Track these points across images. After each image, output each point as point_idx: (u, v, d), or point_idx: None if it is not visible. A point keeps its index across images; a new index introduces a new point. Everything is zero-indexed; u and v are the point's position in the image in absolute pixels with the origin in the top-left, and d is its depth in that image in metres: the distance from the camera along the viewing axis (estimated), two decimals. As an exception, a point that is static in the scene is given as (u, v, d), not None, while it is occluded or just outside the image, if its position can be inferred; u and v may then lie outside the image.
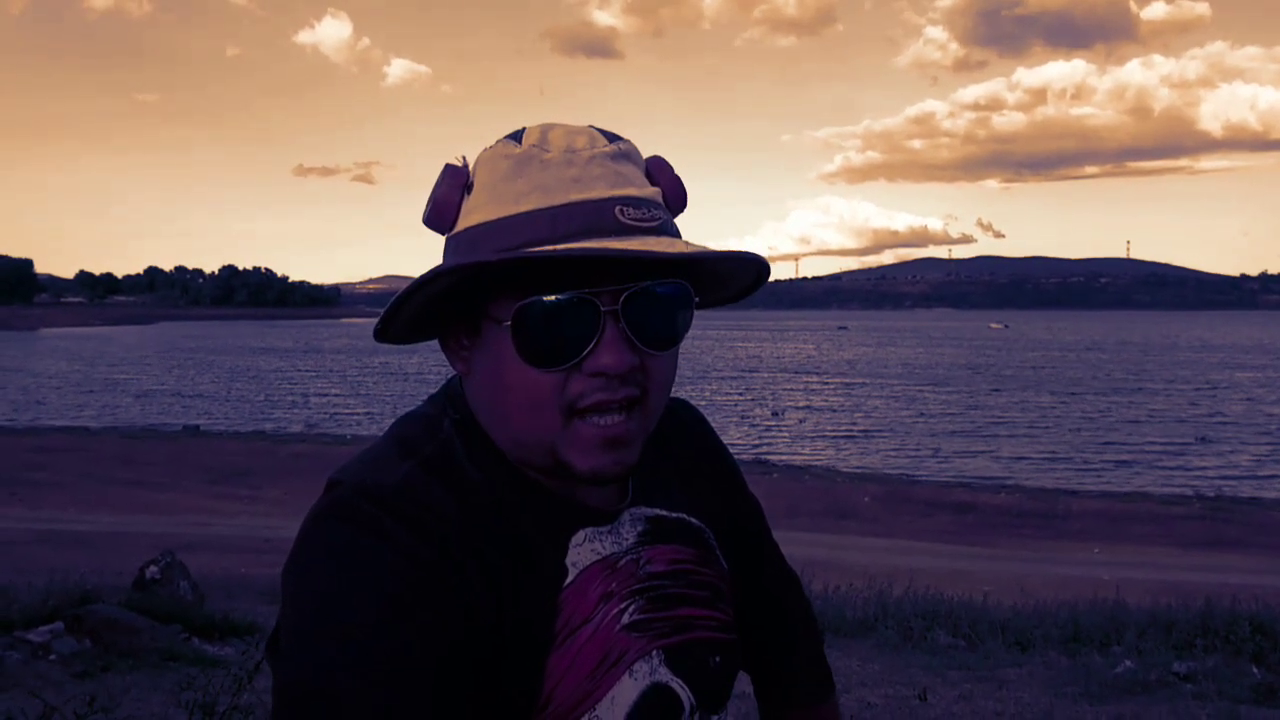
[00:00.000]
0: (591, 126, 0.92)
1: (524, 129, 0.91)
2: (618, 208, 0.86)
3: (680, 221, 0.94)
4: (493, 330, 0.88)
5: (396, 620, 0.79)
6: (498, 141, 0.91)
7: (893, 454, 26.57)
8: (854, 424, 33.45)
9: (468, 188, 0.91)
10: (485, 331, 0.89)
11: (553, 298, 0.84)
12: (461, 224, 0.90)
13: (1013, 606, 7.64)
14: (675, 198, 0.94)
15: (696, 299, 0.93)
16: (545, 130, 0.90)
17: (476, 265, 0.84)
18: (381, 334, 0.94)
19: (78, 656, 5.57)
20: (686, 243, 0.87)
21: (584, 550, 0.93)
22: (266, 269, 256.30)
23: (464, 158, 0.93)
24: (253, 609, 6.96)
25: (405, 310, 0.90)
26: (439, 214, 0.91)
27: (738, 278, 0.98)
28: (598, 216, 0.85)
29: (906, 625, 6.81)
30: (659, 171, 0.94)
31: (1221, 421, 33.92)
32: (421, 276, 0.86)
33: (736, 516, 1.14)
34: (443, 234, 0.92)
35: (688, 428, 1.12)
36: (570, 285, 0.85)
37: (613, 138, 0.91)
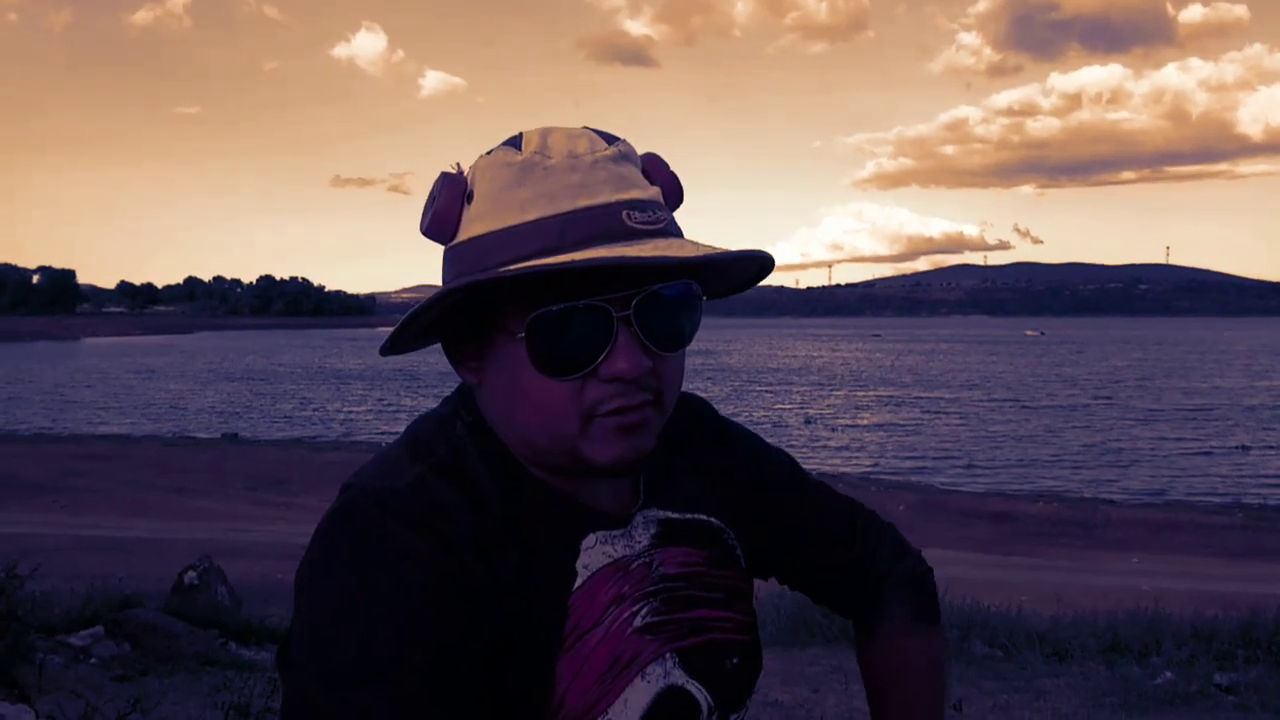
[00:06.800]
0: (587, 128, 0.91)
1: (521, 135, 0.90)
2: (624, 212, 0.85)
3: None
4: (505, 342, 0.88)
5: (403, 626, 0.80)
6: (496, 148, 0.90)
7: (928, 462, 26.34)
8: (888, 433, 33.21)
9: (468, 197, 0.89)
10: (497, 343, 0.89)
11: (565, 307, 0.84)
12: (463, 234, 0.88)
13: (1050, 616, 7.53)
14: (673, 194, 0.94)
15: (703, 297, 0.93)
16: (544, 135, 0.89)
17: (490, 280, 0.83)
18: (388, 349, 0.94)
19: (117, 660, 5.66)
20: (695, 244, 0.87)
21: (595, 554, 0.93)
22: (303, 279, 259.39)
23: (458, 165, 0.92)
24: (288, 614, 6.99)
25: (414, 327, 0.90)
26: (440, 225, 0.90)
27: (741, 268, 0.97)
28: (605, 222, 0.84)
29: (943, 635, 6.73)
30: (655, 169, 0.93)
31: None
32: (435, 295, 0.86)
33: (761, 487, 1.10)
34: (443, 244, 0.91)
35: (692, 416, 1.09)
36: (581, 293, 0.84)
37: (611, 139, 0.90)
